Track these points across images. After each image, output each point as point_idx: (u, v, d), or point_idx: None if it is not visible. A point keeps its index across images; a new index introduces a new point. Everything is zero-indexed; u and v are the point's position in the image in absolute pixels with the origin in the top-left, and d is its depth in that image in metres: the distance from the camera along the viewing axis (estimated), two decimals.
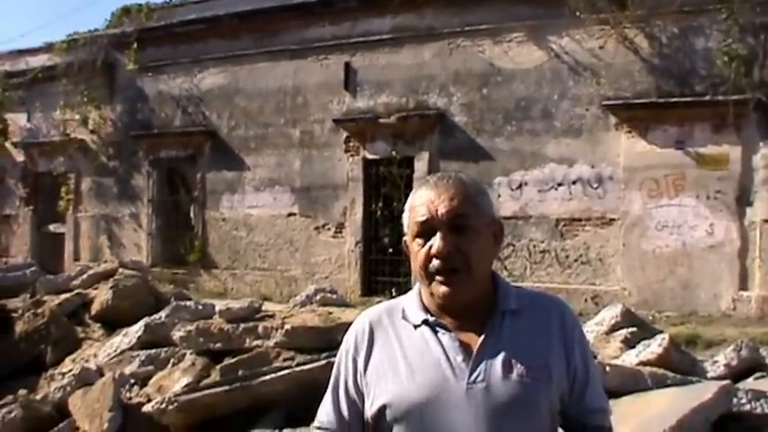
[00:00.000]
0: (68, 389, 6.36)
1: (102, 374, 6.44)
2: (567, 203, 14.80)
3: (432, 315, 2.28)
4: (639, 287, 14.13)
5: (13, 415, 6.15)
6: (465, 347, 2.22)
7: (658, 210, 14.08)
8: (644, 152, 14.13)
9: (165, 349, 6.89)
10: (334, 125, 17.35)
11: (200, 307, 7.71)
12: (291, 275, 17.70)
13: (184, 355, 6.55)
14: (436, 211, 2.21)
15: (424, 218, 2.22)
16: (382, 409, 2.24)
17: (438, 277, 2.20)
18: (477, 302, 2.27)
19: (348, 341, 2.40)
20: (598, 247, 14.60)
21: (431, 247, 2.20)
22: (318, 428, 2.43)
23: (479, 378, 2.17)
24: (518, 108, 15.37)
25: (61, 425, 6.06)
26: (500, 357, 2.19)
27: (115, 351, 7.18)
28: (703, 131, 13.74)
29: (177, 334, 6.61)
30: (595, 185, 14.60)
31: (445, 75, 16.15)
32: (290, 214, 17.96)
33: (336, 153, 17.37)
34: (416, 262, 2.25)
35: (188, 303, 7.94)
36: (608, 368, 5.41)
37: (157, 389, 6.22)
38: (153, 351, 6.93)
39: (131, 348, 7.11)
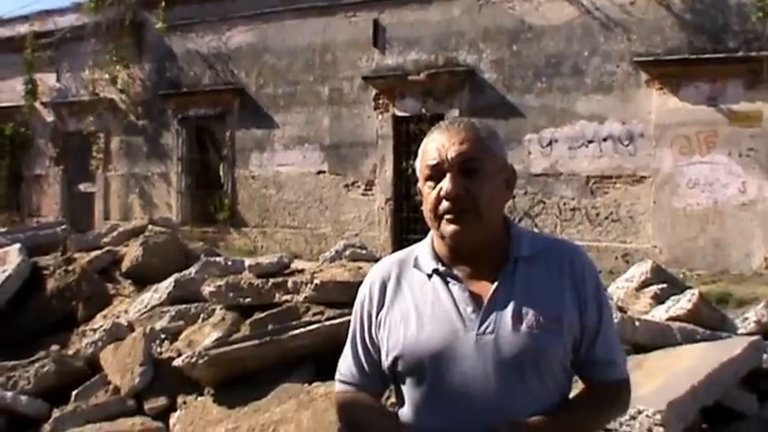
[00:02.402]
0: (100, 344, 6.41)
1: (132, 330, 6.48)
2: (597, 161, 14.70)
3: (443, 264, 2.27)
4: (670, 245, 14.05)
5: (46, 369, 6.21)
6: (475, 298, 2.21)
7: (690, 167, 13.96)
8: (675, 109, 13.98)
9: (195, 305, 6.90)
10: (363, 82, 17.29)
11: (230, 263, 7.71)
12: (321, 233, 17.74)
13: (214, 310, 6.57)
14: (446, 153, 2.20)
15: (434, 161, 2.21)
16: (395, 360, 2.27)
17: (447, 216, 2.19)
18: (488, 249, 2.26)
19: (362, 294, 2.42)
20: (629, 204, 14.50)
21: (440, 189, 2.19)
22: (340, 381, 2.46)
23: (488, 329, 2.17)
24: (548, 65, 15.23)
25: (93, 379, 6.11)
26: (510, 308, 2.18)
27: (145, 307, 7.21)
28: (736, 88, 13.56)
29: (207, 289, 6.62)
30: (626, 143, 14.48)
31: (475, 31, 16.02)
32: (320, 172, 17.98)
33: (366, 110, 17.33)
34: (426, 204, 2.24)
35: (218, 259, 7.94)
36: (637, 323, 5.37)
37: (188, 343, 6.25)
38: (183, 306, 6.94)
39: (161, 304, 7.13)
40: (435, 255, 2.30)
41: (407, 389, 2.28)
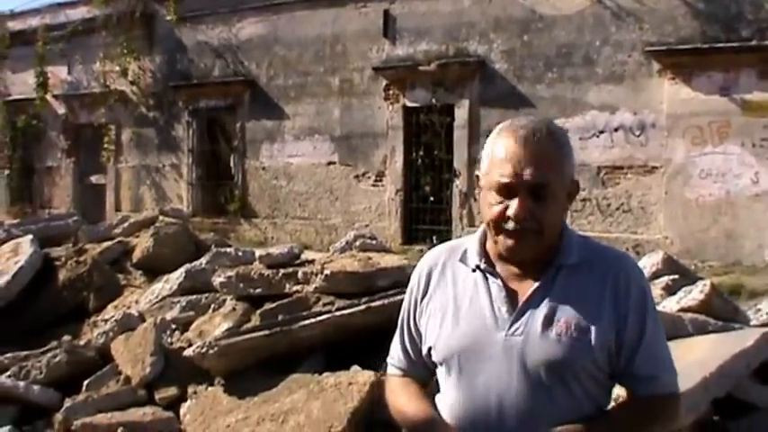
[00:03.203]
0: (111, 334, 6.42)
1: (143, 320, 6.49)
2: (608, 151, 14.64)
3: (487, 262, 2.28)
4: (682, 236, 13.99)
5: (57, 359, 6.24)
6: (512, 298, 2.22)
7: (702, 158, 13.88)
8: (688, 99, 13.90)
9: (206, 295, 6.91)
10: (373, 73, 17.27)
11: (241, 253, 7.72)
12: (331, 224, 17.74)
13: (225, 300, 6.58)
14: (521, 175, 2.14)
15: (507, 180, 2.15)
16: (429, 350, 2.32)
17: (508, 234, 2.18)
18: (537, 255, 2.25)
19: (412, 281, 2.46)
20: (640, 195, 14.45)
21: (506, 207, 2.16)
22: (390, 364, 2.52)
23: (518, 331, 2.17)
24: (559, 55, 15.17)
25: (104, 369, 6.13)
26: (543, 312, 2.17)
27: (156, 297, 7.22)
28: (749, 77, 13.47)
29: (218, 280, 6.63)
30: (638, 133, 14.41)
31: (485, 21, 15.97)
32: (330, 163, 17.98)
33: (376, 101, 17.31)
34: (488, 214, 2.21)
35: (228, 250, 7.95)
36: None
37: (198, 334, 6.27)
38: (194, 297, 6.96)
39: (172, 294, 7.14)
40: (482, 251, 2.30)
41: (441, 379, 2.34)
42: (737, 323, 5.72)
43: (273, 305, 6.06)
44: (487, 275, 2.26)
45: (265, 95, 18.95)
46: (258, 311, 6.11)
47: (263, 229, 18.89)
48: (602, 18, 14.76)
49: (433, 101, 16.29)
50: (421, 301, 2.38)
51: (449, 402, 2.27)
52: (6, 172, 23.88)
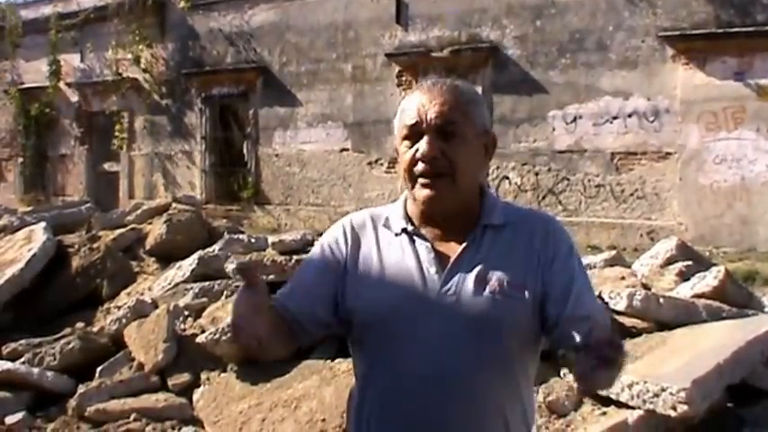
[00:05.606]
0: (124, 321, 6.45)
1: (156, 307, 6.51)
2: (622, 137, 14.58)
3: (413, 224, 2.25)
4: (696, 222, 13.93)
5: (71, 346, 6.27)
6: (441, 259, 2.19)
7: (716, 143, 13.80)
8: (702, 84, 13.81)
9: (219, 281, 6.93)
10: (386, 59, 17.23)
11: (254, 240, 7.74)
12: (345, 211, 17.65)
13: (238, 287, 6.60)
14: (426, 114, 2.16)
15: (412, 121, 2.18)
16: (351, 313, 2.23)
17: (421, 180, 2.16)
18: (459, 214, 2.23)
19: (331, 235, 2.34)
20: (654, 181, 14.38)
21: (417, 150, 2.16)
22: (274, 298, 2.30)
23: (450, 291, 2.14)
24: (572, 40, 15.10)
25: (117, 356, 6.17)
26: (474, 272, 2.15)
27: (169, 284, 7.24)
28: (764, 62, 13.37)
29: (231, 266, 6.66)
30: (651, 119, 14.34)
31: (498, 7, 15.90)
32: (343, 149, 17.97)
33: (389, 87, 17.27)
34: (402, 164, 2.21)
35: (241, 236, 7.97)
36: (662, 300, 5.34)
37: (211, 320, 6.28)
38: (206, 283, 6.97)
39: (185, 281, 7.16)
40: (406, 215, 2.28)
41: (360, 343, 2.27)
42: (752, 310, 5.72)
43: None
44: (414, 238, 2.23)
45: (278, 82, 18.94)
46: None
47: (276, 216, 18.89)
48: (616, 3, 14.68)
49: None
50: (344, 260, 2.27)
51: (373, 365, 2.22)
52: (20, 160, 23.95)
